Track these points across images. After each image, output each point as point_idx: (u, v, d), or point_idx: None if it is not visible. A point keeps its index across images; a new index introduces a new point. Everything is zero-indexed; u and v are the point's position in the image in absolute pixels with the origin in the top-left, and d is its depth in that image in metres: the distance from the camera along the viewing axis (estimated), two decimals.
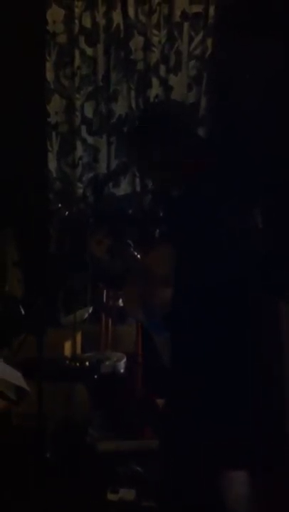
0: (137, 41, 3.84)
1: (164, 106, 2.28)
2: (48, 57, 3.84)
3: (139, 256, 2.02)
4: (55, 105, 3.89)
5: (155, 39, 3.83)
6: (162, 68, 3.86)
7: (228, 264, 1.84)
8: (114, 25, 3.83)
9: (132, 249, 2.02)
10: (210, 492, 1.98)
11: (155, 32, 3.82)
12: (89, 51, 3.86)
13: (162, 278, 1.90)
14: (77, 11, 3.79)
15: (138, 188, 3.92)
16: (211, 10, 3.80)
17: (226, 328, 1.85)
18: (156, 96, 3.88)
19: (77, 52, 3.83)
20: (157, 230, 2.11)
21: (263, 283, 1.99)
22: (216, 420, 1.87)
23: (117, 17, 3.82)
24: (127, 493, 2.64)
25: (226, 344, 1.85)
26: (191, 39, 3.85)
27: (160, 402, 2.99)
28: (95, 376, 3.22)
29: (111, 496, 2.63)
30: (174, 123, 1.96)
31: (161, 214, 2.13)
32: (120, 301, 3.44)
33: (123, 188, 3.90)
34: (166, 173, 1.98)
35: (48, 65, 3.85)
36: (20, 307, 3.31)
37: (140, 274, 1.99)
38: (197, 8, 3.82)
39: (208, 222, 1.84)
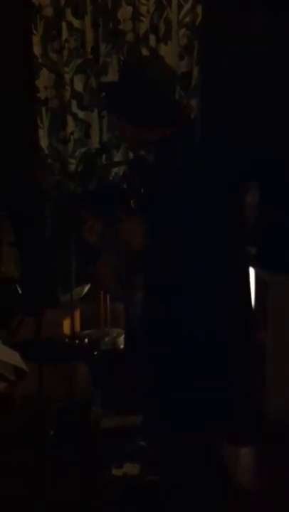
0: (125, 11, 3.75)
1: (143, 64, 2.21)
2: (34, 31, 3.76)
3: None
4: (43, 80, 3.81)
5: (143, 8, 3.74)
6: (152, 38, 3.77)
7: (201, 236, 1.78)
8: None
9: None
10: (211, 465, 1.99)
11: (143, 1, 3.73)
12: (76, 23, 3.78)
13: (135, 250, 1.86)
14: None
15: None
16: None
17: (202, 298, 1.81)
18: None
19: (64, 25, 3.74)
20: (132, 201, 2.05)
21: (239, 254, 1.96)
22: (198, 389, 1.85)
23: None
24: (132, 468, 2.67)
25: (201, 313, 1.82)
26: (180, 7, 3.76)
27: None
28: (95, 353, 3.23)
29: (116, 471, 2.67)
30: (150, 83, 1.90)
31: (135, 183, 2.07)
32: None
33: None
34: (138, 131, 1.95)
35: (35, 39, 3.77)
36: (18, 287, 3.30)
37: (113, 247, 1.94)
38: None
39: (181, 193, 1.79)
